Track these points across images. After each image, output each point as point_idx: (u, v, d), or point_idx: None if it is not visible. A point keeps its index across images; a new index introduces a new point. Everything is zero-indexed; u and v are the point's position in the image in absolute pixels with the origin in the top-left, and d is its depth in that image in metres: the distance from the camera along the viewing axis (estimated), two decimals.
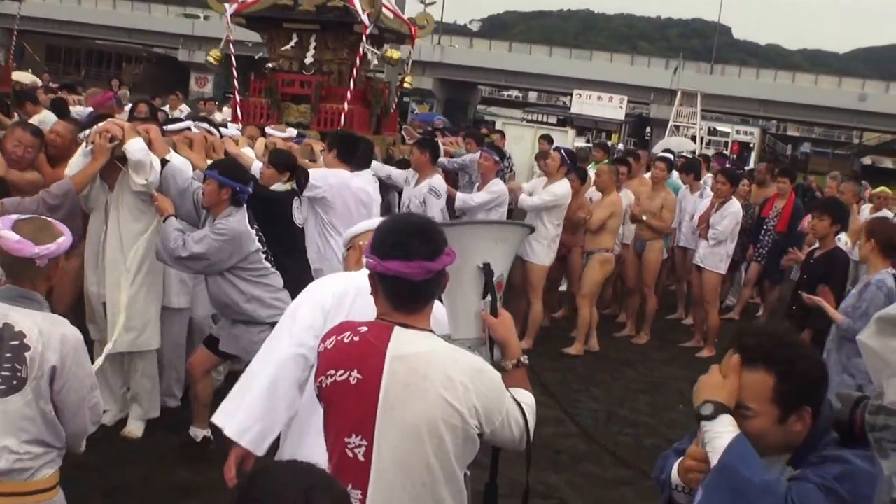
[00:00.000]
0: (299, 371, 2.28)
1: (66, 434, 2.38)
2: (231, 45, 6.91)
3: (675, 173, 8.24)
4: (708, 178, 8.70)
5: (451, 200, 6.32)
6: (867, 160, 48.44)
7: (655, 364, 6.78)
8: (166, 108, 11.40)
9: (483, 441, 1.87)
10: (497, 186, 6.38)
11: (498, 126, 16.26)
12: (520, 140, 14.06)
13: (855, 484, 1.60)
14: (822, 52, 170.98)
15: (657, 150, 13.72)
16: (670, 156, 9.06)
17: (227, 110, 10.00)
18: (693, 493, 1.74)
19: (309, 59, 6.63)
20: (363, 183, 5.11)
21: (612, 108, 29.56)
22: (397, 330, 1.85)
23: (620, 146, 19.52)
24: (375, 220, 2.46)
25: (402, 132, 8.60)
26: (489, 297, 2.02)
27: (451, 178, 7.26)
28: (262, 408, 2.28)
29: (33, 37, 31.07)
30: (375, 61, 6.86)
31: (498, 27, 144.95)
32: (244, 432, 2.27)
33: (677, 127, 27.09)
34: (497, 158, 6.60)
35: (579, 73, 36.38)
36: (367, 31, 6.48)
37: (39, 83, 12.69)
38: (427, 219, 2.10)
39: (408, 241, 1.83)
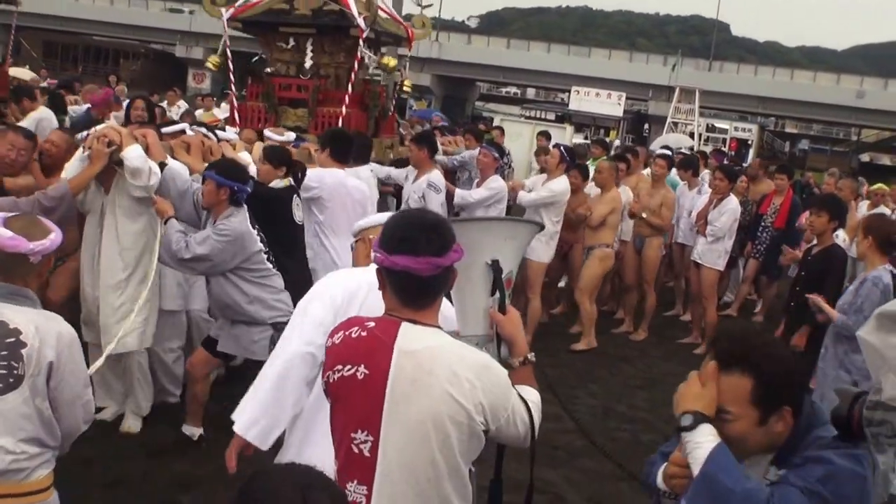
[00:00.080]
0: (307, 369, 2.31)
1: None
2: (228, 50, 6.92)
3: (673, 170, 8.25)
4: (706, 174, 8.72)
5: (449, 197, 6.33)
6: (865, 157, 48.47)
7: (653, 360, 6.80)
8: (164, 104, 11.37)
9: (488, 438, 1.88)
10: (496, 183, 6.38)
11: (496, 123, 16.27)
12: (518, 137, 14.08)
13: (838, 484, 1.61)
14: (820, 49, 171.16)
15: (655, 146, 13.72)
16: (670, 153, 9.06)
17: (224, 106, 9.98)
18: (679, 499, 1.75)
19: (308, 63, 6.63)
20: (358, 182, 5.11)
21: (611, 104, 29.56)
22: (405, 325, 1.85)
23: (617, 142, 19.51)
24: (386, 214, 2.47)
25: (401, 129, 8.61)
26: (498, 294, 2.02)
27: (450, 174, 7.28)
28: (268, 404, 2.33)
29: (30, 33, 30.94)
30: (372, 67, 6.87)
31: (496, 23, 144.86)
32: (250, 427, 2.33)
33: (675, 124, 27.11)
34: (496, 155, 6.61)
35: (578, 69, 36.34)
36: (364, 35, 6.48)
37: (39, 80, 12.67)
38: (436, 214, 2.11)
39: (416, 236, 1.83)
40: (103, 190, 4.19)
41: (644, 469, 1.95)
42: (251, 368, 4.29)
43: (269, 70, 6.89)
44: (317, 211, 4.90)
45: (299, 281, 4.18)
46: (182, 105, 12.15)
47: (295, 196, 4.56)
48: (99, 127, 4.29)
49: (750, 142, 34.09)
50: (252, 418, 2.34)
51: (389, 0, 7.83)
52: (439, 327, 1.91)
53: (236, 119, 6.79)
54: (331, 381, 1.88)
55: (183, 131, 4.96)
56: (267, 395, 2.34)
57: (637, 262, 7.31)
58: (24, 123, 6.88)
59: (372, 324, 1.87)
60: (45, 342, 2.25)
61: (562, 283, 7.69)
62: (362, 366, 1.83)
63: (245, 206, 3.93)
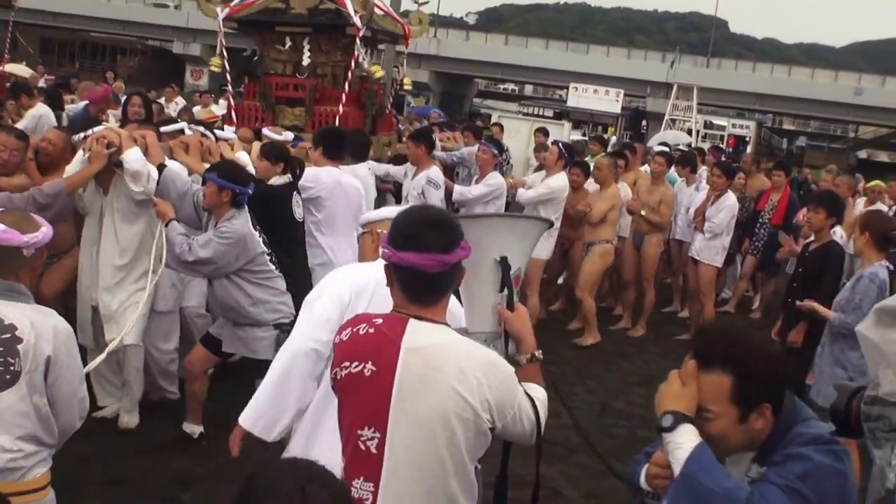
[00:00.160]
0: (310, 365, 2.33)
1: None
2: (224, 50, 6.91)
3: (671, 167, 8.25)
4: (704, 171, 8.73)
5: (448, 193, 6.33)
6: (863, 154, 48.56)
7: (651, 357, 6.81)
8: (161, 100, 11.34)
9: (494, 435, 1.88)
10: (495, 179, 6.39)
11: (494, 119, 16.25)
12: (516, 133, 14.06)
13: (818, 481, 1.61)
14: (818, 46, 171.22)
15: (653, 143, 13.72)
16: (668, 149, 9.07)
17: (222, 103, 9.96)
18: (662, 500, 1.75)
19: (305, 62, 6.62)
20: (353, 179, 5.10)
21: (609, 101, 29.52)
22: (412, 322, 1.85)
23: (613, 139, 19.50)
24: (396, 208, 2.49)
25: (399, 125, 8.59)
26: (506, 291, 2.02)
27: (449, 170, 7.28)
28: (271, 398, 2.39)
29: (27, 29, 30.82)
30: (366, 65, 6.87)
31: (494, 20, 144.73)
32: (255, 422, 2.42)
33: (673, 120, 27.11)
34: (495, 152, 6.62)
35: (576, 66, 36.32)
36: (360, 34, 6.47)
37: (38, 77, 12.63)
38: (444, 211, 2.12)
39: (423, 232, 1.83)
40: (102, 191, 4.19)
41: (629, 468, 1.95)
42: (247, 366, 4.30)
43: (265, 71, 6.89)
44: (314, 210, 4.89)
45: (300, 280, 4.19)
46: (180, 102, 12.12)
47: (295, 193, 4.55)
48: (98, 128, 4.29)
49: (748, 139, 34.04)
50: (257, 413, 2.41)
51: None
52: (447, 324, 1.91)
53: (233, 118, 6.79)
54: (338, 377, 1.88)
55: (182, 131, 4.95)
56: (271, 389, 2.39)
57: (636, 258, 7.32)
58: (23, 120, 6.89)
59: (380, 320, 1.88)
60: (41, 337, 2.21)
61: (560, 280, 7.70)
62: (370, 362, 1.83)
63: (246, 208, 3.93)
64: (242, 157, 4.94)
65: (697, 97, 28.02)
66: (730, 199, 7.07)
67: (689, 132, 24.67)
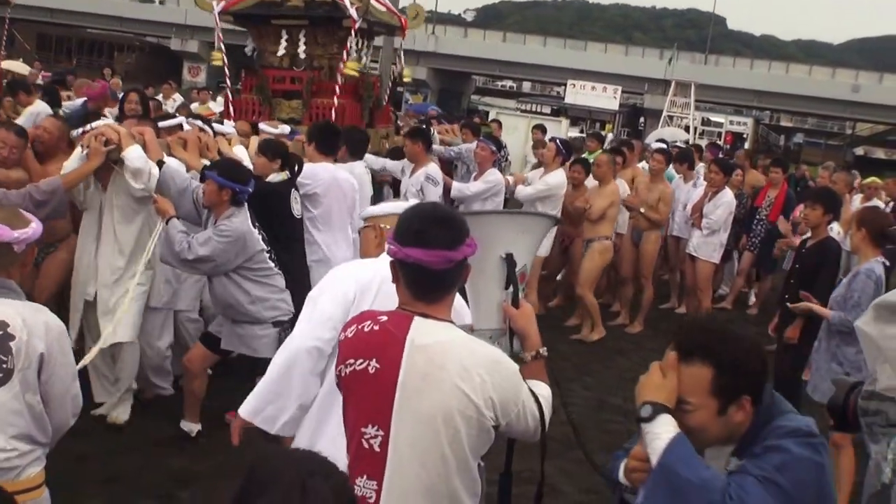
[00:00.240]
0: (312, 362, 2.34)
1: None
2: (222, 44, 6.89)
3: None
4: (701, 167, 8.74)
5: (446, 189, 6.33)
6: (860, 151, 48.54)
7: (648, 353, 6.80)
8: (159, 97, 11.32)
9: (498, 432, 1.87)
10: (493, 176, 6.39)
11: (492, 116, 16.24)
12: (514, 130, 14.08)
13: (795, 472, 1.61)
14: (816, 43, 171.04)
15: (650, 140, 13.74)
16: (666, 146, 9.07)
17: (220, 100, 9.94)
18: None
19: (302, 55, 6.60)
20: (347, 175, 5.09)
21: (607, 98, 29.51)
22: (417, 320, 1.85)
23: (611, 136, 19.50)
24: (402, 204, 2.47)
25: (399, 122, 8.58)
26: (511, 288, 2.01)
27: (447, 166, 7.27)
28: (272, 393, 2.41)
29: (24, 25, 30.73)
30: (365, 59, 6.86)
31: (492, 17, 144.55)
32: (257, 413, 2.45)
33: (671, 117, 27.13)
34: (493, 148, 6.62)
35: (573, 63, 36.28)
36: (356, 26, 6.46)
37: (36, 73, 12.59)
38: (450, 208, 2.11)
39: (428, 229, 1.83)
40: (101, 187, 4.18)
41: (608, 464, 1.95)
42: (245, 363, 4.30)
43: (262, 64, 6.87)
44: (310, 206, 4.88)
45: (298, 278, 4.19)
46: (177, 98, 12.10)
47: (293, 190, 4.55)
48: (96, 123, 4.27)
49: (745, 135, 34.07)
50: (257, 406, 2.44)
51: None
52: (451, 322, 1.90)
53: (231, 112, 6.78)
54: (343, 374, 1.88)
55: (180, 126, 4.94)
56: (271, 385, 2.41)
57: (634, 254, 7.32)
58: (21, 117, 6.86)
59: (384, 318, 1.87)
60: (33, 334, 2.17)
61: (558, 276, 7.70)
62: (374, 360, 1.83)
63: (246, 206, 3.93)
64: (239, 152, 4.93)
65: (695, 94, 28.03)
66: (727, 196, 7.08)
67: (687, 129, 24.68)
